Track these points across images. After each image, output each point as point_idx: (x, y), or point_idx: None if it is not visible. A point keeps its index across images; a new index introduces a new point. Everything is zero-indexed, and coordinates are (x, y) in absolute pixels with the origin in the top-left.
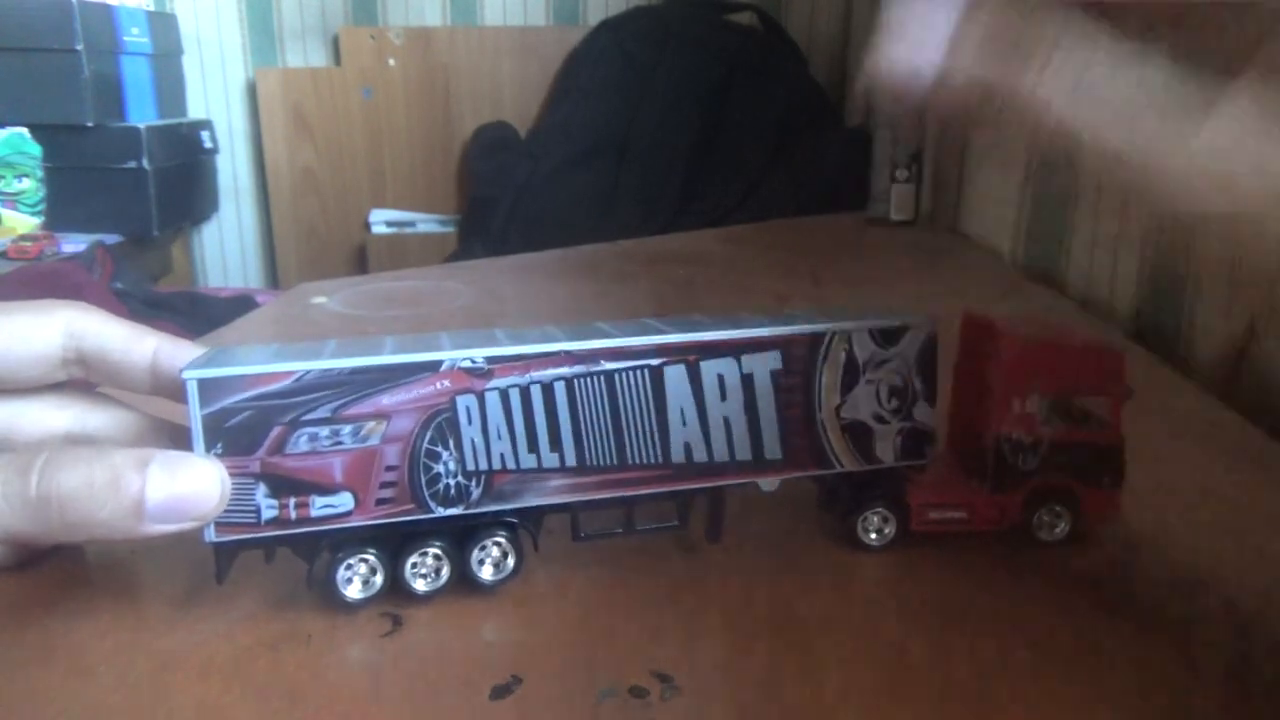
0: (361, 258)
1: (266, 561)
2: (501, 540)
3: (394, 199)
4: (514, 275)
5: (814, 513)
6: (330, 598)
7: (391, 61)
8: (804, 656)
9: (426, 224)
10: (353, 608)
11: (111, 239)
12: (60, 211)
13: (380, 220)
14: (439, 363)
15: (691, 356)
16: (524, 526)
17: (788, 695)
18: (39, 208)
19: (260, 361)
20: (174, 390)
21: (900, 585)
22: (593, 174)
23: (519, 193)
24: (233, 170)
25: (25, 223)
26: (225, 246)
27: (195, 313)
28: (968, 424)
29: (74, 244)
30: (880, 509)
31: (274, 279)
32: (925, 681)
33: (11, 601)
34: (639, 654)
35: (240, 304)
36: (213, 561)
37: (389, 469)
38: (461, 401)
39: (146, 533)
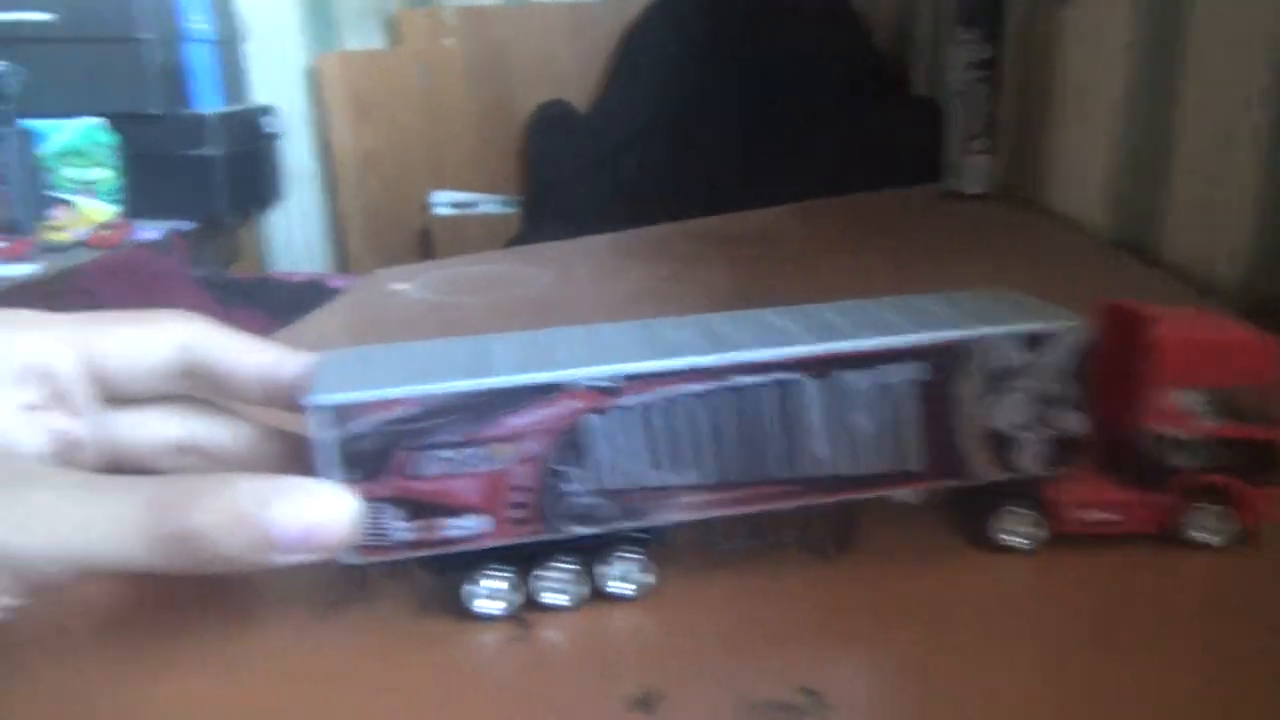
0: (425, 240)
1: (396, 578)
2: (633, 555)
3: (454, 180)
4: (586, 258)
5: (950, 516)
6: (463, 611)
7: (448, 41)
8: (958, 668)
9: (488, 205)
10: (486, 620)
11: (184, 226)
12: (133, 199)
13: (442, 202)
14: (569, 383)
15: (828, 368)
16: (655, 541)
17: (946, 710)
18: (116, 196)
19: (381, 377)
20: (287, 402)
21: (1052, 591)
22: (654, 152)
23: (581, 173)
24: (295, 155)
25: (104, 211)
26: (291, 231)
27: (270, 298)
28: (1110, 418)
29: (149, 231)
30: (1023, 510)
31: (340, 263)
32: (1091, 696)
33: (161, 603)
34: (783, 669)
35: (313, 289)
36: (346, 575)
37: (519, 489)
38: (591, 420)
39: (276, 564)
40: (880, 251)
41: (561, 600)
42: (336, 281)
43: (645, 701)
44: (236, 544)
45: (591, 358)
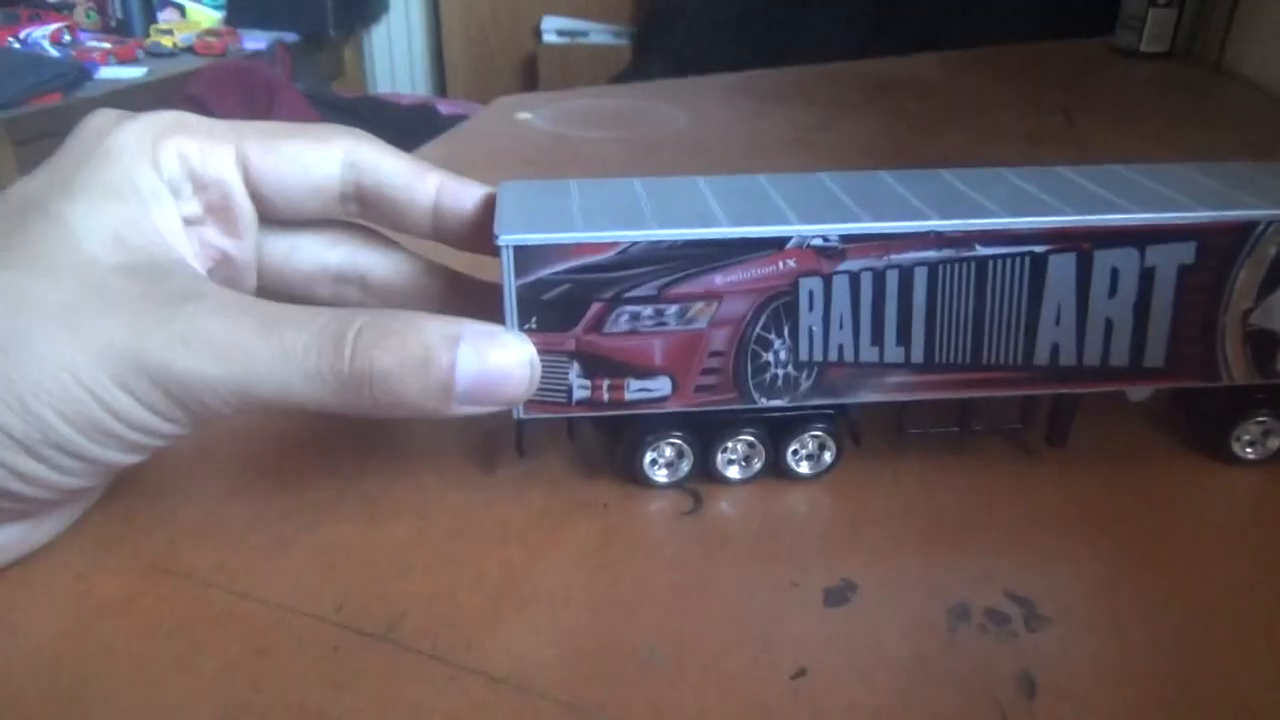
0: (530, 68)
1: (570, 437)
2: (820, 433)
3: (566, 5)
4: (722, 97)
5: (1172, 418)
6: (633, 477)
7: None
8: (1183, 581)
9: (599, 34)
10: (657, 486)
11: (288, 37)
12: (237, 7)
13: (552, 29)
14: (785, 239)
15: (1086, 244)
16: (845, 419)
17: (1170, 632)
18: (221, 2)
19: (571, 217)
20: (457, 235)
21: None
22: None
23: (701, 5)
24: None
25: (208, 16)
26: (394, 50)
27: (377, 120)
28: None
29: (254, 41)
30: (1264, 418)
31: (442, 86)
32: None
33: (322, 446)
34: (986, 571)
35: (421, 113)
36: (516, 431)
37: (714, 355)
38: (805, 285)
39: (453, 414)
40: (1051, 114)
41: (741, 474)
42: (447, 107)
43: (839, 594)
44: (417, 389)
45: (811, 213)
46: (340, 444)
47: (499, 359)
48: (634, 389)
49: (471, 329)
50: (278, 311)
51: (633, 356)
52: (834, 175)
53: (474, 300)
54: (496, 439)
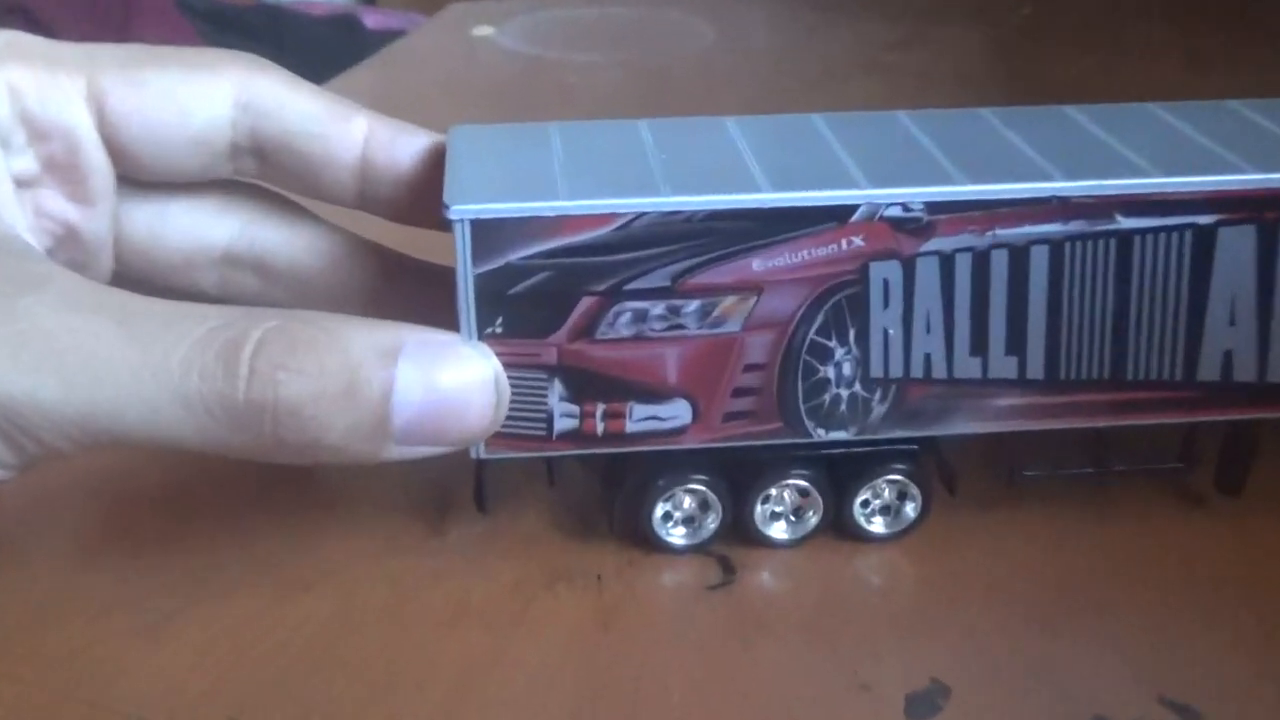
0: None
1: (550, 485)
2: (900, 476)
3: None
4: (757, 8)
5: None
6: (639, 538)
7: None
8: None
9: None
10: (671, 551)
11: None
12: None
13: None
14: (850, 208)
15: (1271, 214)
16: (934, 457)
17: None
18: None
19: (548, 179)
20: (392, 202)
21: None
22: None
23: None
24: None
25: None
26: None
27: (280, 37)
28: None
29: None
30: None
31: None
32: None
33: (212, 495)
34: (1134, 667)
35: (342, 26)
36: (473, 480)
37: (750, 369)
38: (878, 271)
39: (389, 458)
40: (1216, 21)
41: (790, 534)
42: (376, 18)
43: (926, 701)
44: (340, 426)
45: (886, 170)
46: (237, 491)
47: (452, 380)
48: (639, 417)
49: (414, 339)
50: (145, 309)
51: (637, 372)
52: (918, 116)
53: (417, 295)
54: (449, 487)
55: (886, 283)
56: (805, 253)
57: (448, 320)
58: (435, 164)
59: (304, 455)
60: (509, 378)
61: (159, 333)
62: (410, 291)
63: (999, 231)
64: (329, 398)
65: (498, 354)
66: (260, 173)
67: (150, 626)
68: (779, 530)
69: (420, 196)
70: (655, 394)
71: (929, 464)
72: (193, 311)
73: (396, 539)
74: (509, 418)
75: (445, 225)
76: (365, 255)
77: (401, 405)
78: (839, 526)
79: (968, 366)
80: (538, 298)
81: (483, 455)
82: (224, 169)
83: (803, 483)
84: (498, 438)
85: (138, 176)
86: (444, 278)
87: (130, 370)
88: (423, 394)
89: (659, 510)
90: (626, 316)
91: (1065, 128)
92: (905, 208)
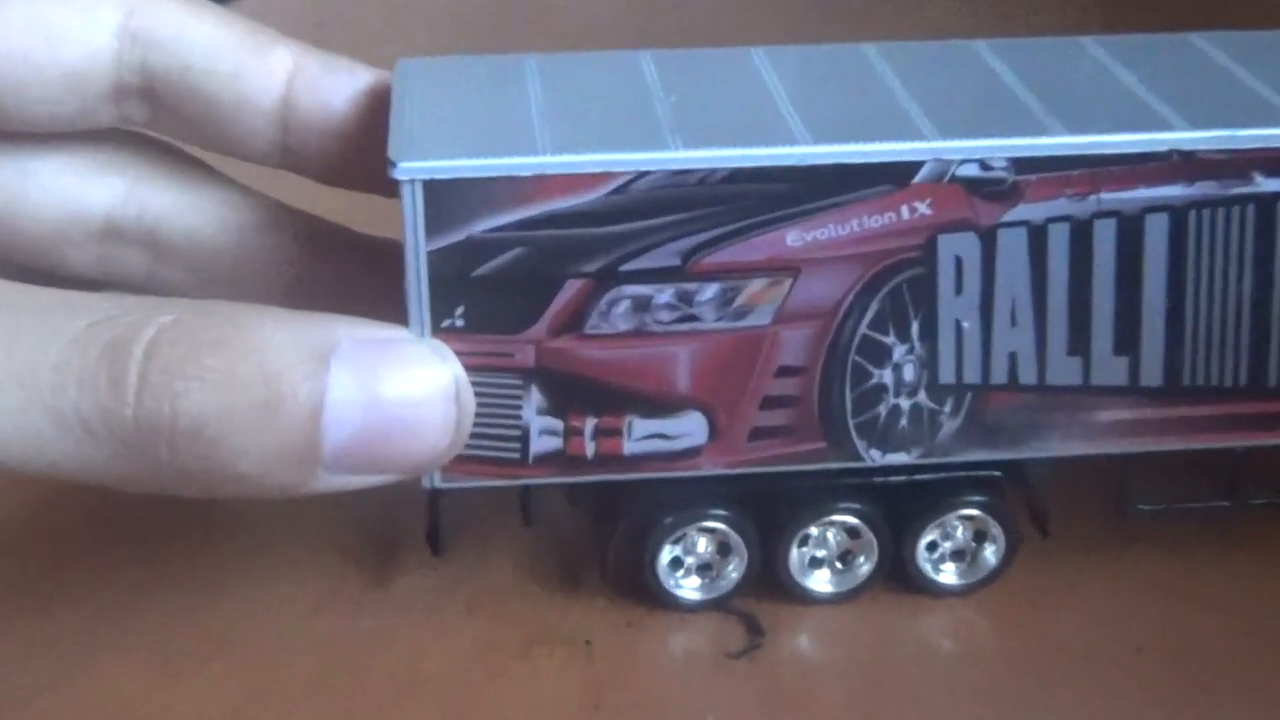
0: None
1: (526, 522)
2: (977, 511)
3: None
4: None
5: None
6: (641, 590)
7: None
8: None
9: None
10: (681, 607)
11: None
12: None
13: None
14: (913, 165)
15: None
16: (1020, 487)
17: None
18: None
19: (521, 126)
20: (321, 158)
21: None
22: None
23: None
24: None
25: None
26: None
27: None
28: None
29: None
30: None
31: None
32: None
33: (92, 534)
34: None
35: None
36: (425, 516)
37: (784, 373)
38: (948, 247)
39: (319, 489)
40: None
41: (836, 585)
42: None
43: None
44: (257, 450)
45: (959, 117)
46: (123, 531)
47: (400, 390)
48: (640, 435)
49: (352, 336)
50: (9, 299)
51: (638, 377)
52: (1000, 46)
53: (356, 279)
54: (396, 524)
55: (960, 261)
56: (855, 223)
57: (395, 311)
58: (377, 109)
59: (210, 486)
60: (473, 385)
61: (27, 329)
62: (346, 274)
63: (1105, 196)
64: (242, 414)
65: (458, 354)
66: (152, 121)
67: (4, 705)
68: (821, 581)
69: (358, 151)
70: (661, 405)
71: (1014, 496)
72: (69, 302)
73: (327, 592)
74: (473, 436)
75: (390, 188)
76: (288, 227)
77: (335, 423)
78: (898, 576)
79: (1064, 369)
80: (510, 282)
81: (439, 485)
82: (105, 115)
83: (852, 519)
84: (458, 462)
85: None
86: (389, 256)
87: None
88: (362, 408)
89: (666, 555)
90: (624, 306)
91: (1191, 62)
92: (984, 165)
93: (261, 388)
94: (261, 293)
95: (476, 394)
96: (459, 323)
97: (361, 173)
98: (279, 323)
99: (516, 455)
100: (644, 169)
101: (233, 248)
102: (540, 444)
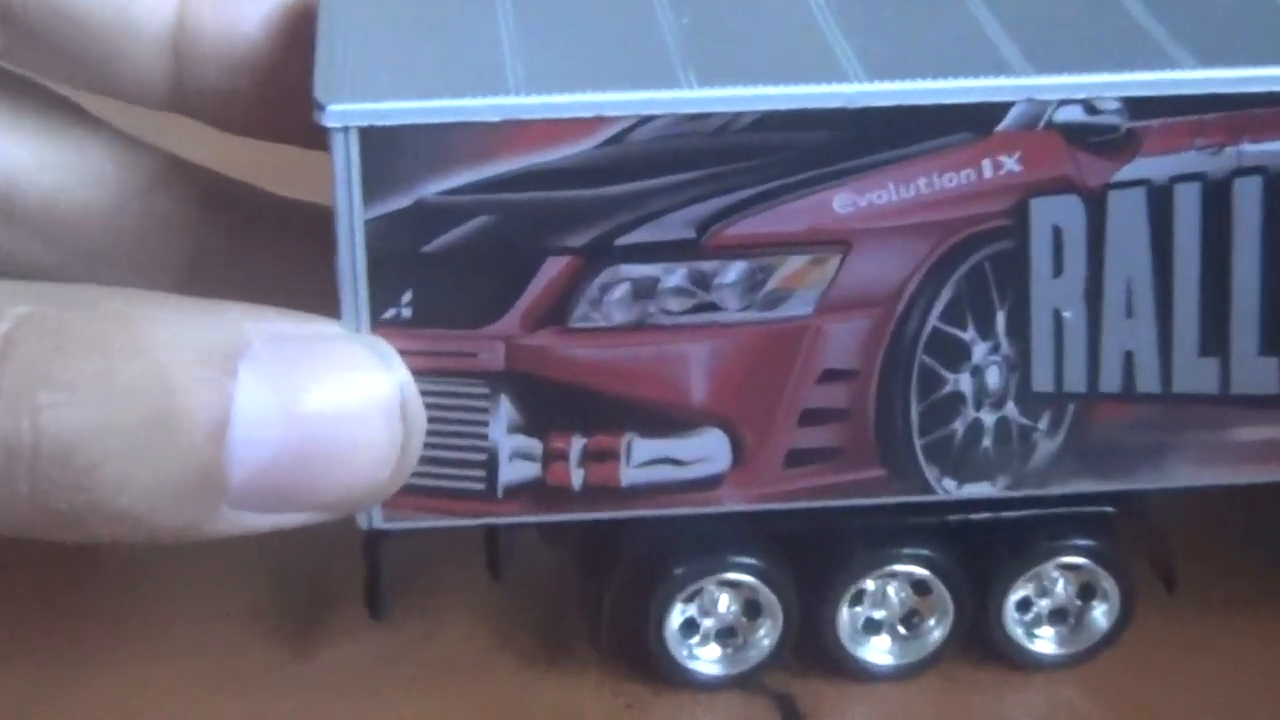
0: None
1: (494, 576)
2: (1084, 560)
3: None
4: None
5: None
6: (645, 660)
7: None
8: None
9: None
10: (698, 684)
11: None
12: None
13: None
14: (999, 108)
15: None
16: (1140, 527)
17: None
18: None
19: (487, 59)
20: (222, 99)
21: None
22: None
23: None
24: None
25: None
26: None
27: None
28: None
29: None
30: None
31: None
32: None
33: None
34: None
35: None
36: (366, 560)
37: (831, 378)
38: (1045, 214)
39: (223, 531)
40: None
41: (895, 655)
42: None
43: None
44: (141, 480)
45: (1058, 46)
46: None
47: (328, 403)
48: (643, 459)
49: (266, 332)
50: None
51: (640, 384)
52: None
53: (273, 254)
54: (325, 577)
55: (1059, 233)
56: (923, 183)
57: (327, 300)
58: (299, 35)
59: (82, 527)
60: (425, 395)
61: None
62: (263, 251)
63: (1248, 147)
64: (123, 433)
65: (405, 354)
66: (7, 50)
67: None
68: (879, 650)
69: (273, 90)
70: (670, 420)
71: (1131, 539)
72: None
73: (236, 665)
74: (424, 462)
75: (316, 137)
76: (185, 188)
77: (243, 445)
78: (980, 643)
79: (1197, 374)
80: (472, 259)
81: (379, 525)
82: None
83: (919, 570)
84: (404, 495)
85: None
86: (318, 227)
87: None
88: (279, 426)
89: (677, 617)
90: (621, 291)
91: None
92: (1090, 107)
93: (149, 400)
94: (150, 274)
95: (428, 406)
96: (405, 313)
97: (277, 117)
98: (172, 315)
99: (481, 486)
100: (647, 112)
101: (112, 215)
102: (512, 471)
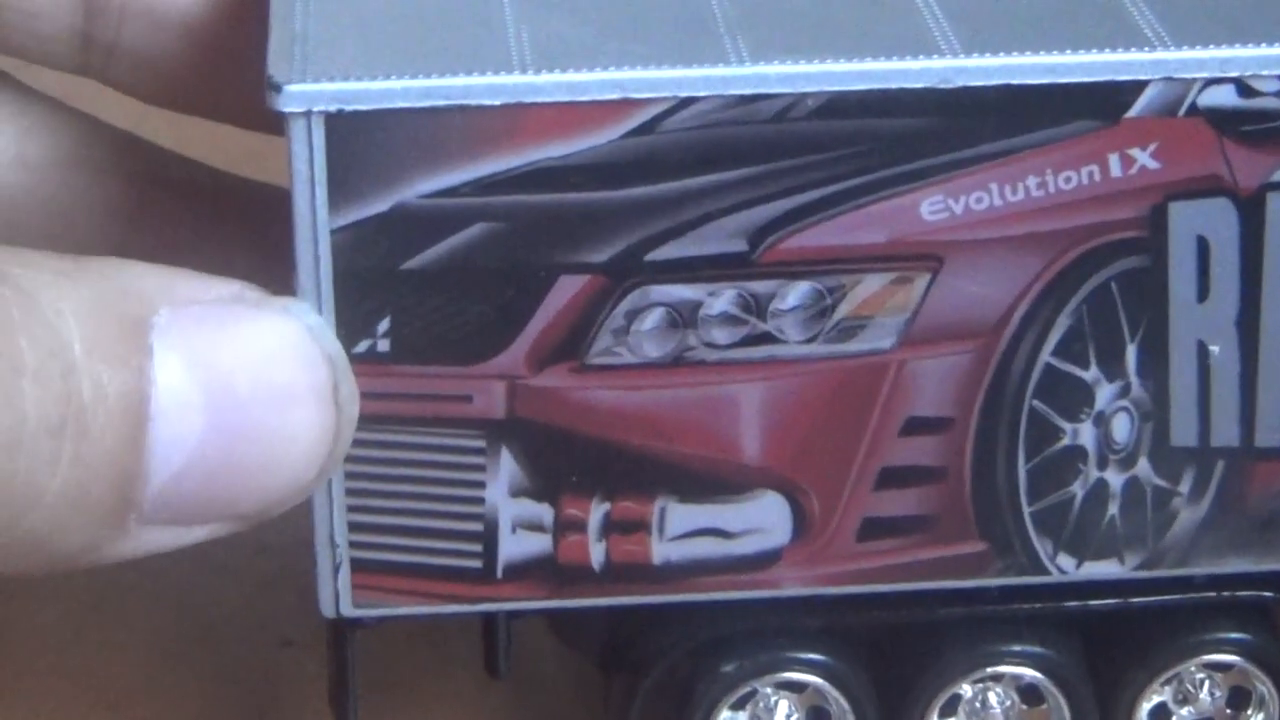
0: None
1: (492, 674)
2: (1235, 658)
3: None
4: None
5: None
6: None
7: None
8: None
9: None
10: None
11: None
12: None
13: None
14: (1130, 89)
15: None
16: None
17: None
18: None
19: (487, 31)
20: (155, 69)
21: None
22: None
23: None
24: None
25: None
26: None
27: None
28: None
29: None
30: None
31: None
32: None
33: None
34: None
35: None
36: (330, 654)
37: (916, 428)
38: (1186, 222)
39: (125, 553)
40: None
41: None
42: None
43: None
44: (47, 492)
45: (1189, 13)
46: None
47: (253, 383)
48: (681, 530)
49: (173, 297)
50: None
51: (676, 436)
52: None
53: (218, 238)
54: (283, 673)
55: (1204, 245)
56: (1033, 184)
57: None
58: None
59: None
60: (406, 449)
61: None
62: (206, 235)
63: None
64: (27, 432)
65: (381, 397)
66: None
67: None
68: None
69: (212, 60)
70: (715, 482)
71: None
72: None
73: None
74: (407, 533)
75: (271, 121)
76: (116, 160)
77: (166, 443)
78: None
79: None
80: (466, 279)
81: (347, 613)
82: None
83: (1029, 671)
84: (381, 576)
85: None
86: (263, 205)
87: None
88: (202, 418)
89: None
90: (654, 319)
91: None
92: (1245, 88)
93: (47, 385)
94: (55, 238)
95: (411, 463)
96: (382, 346)
97: (218, 94)
98: (74, 280)
99: (476, 564)
100: (686, 94)
101: (29, 189)
102: (515, 545)
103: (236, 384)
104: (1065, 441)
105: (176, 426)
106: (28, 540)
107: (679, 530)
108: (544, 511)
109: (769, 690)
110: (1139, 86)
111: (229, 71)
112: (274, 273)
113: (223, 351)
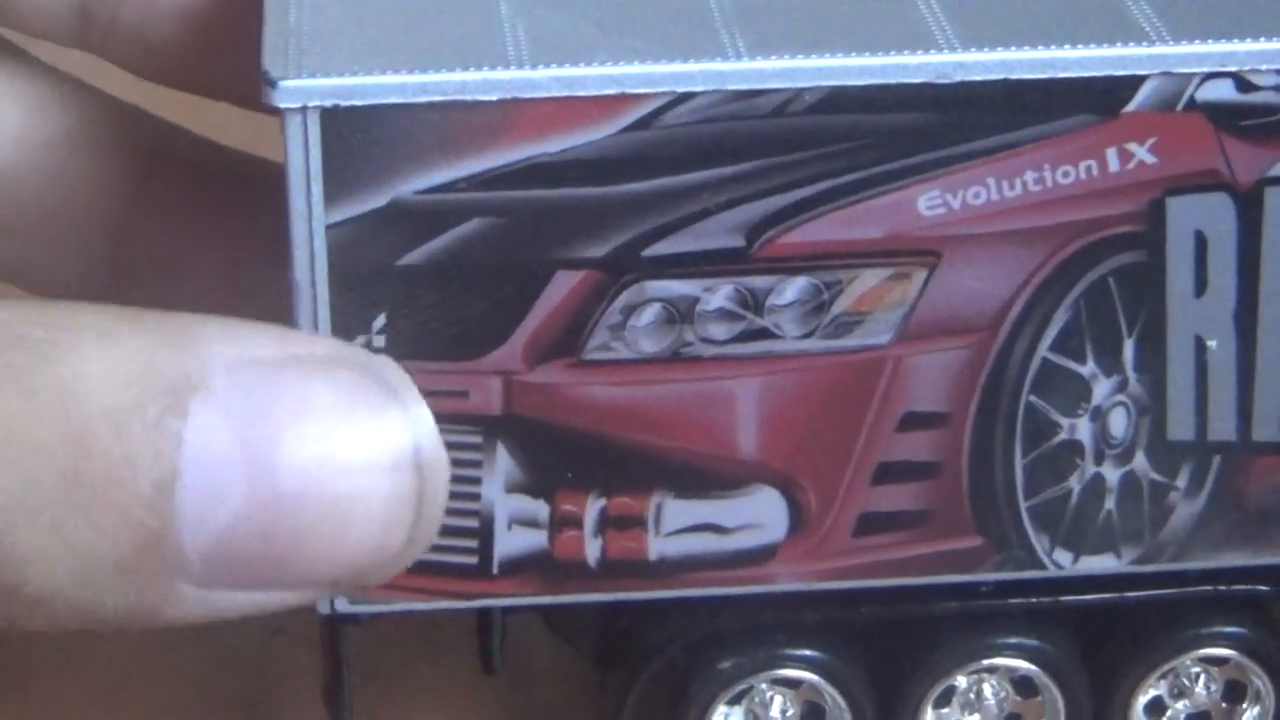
0: None
1: (486, 668)
2: (1231, 652)
3: None
4: None
5: None
6: None
7: None
8: None
9: None
10: None
11: None
12: None
13: None
14: (1128, 83)
15: None
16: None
17: None
18: None
19: (482, 20)
20: (147, 46)
21: None
22: None
23: None
24: None
25: None
26: None
27: None
28: None
29: None
30: None
31: None
32: None
33: None
34: None
35: None
36: (326, 651)
37: (914, 424)
38: (1185, 218)
39: (181, 617)
40: None
41: None
42: None
43: None
44: (68, 550)
45: (1191, 6)
46: None
47: (313, 449)
48: (678, 525)
49: (229, 355)
50: None
51: (673, 431)
52: None
53: (235, 220)
54: (277, 671)
55: (1202, 240)
56: (1031, 179)
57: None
58: None
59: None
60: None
61: None
62: (219, 217)
63: None
64: (37, 497)
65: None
66: None
67: None
68: None
69: (209, 39)
70: (711, 478)
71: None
72: None
73: None
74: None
75: (264, 108)
76: (121, 136)
77: (198, 504)
78: None
79: None
80: (462, 275)
81: (345, 610)
82: None
83: (1023, 664)
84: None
85: None
86: (269, 182)
87: None
88: (244, 479)
89: (719, 718)
90: (651, 314)
91: None
92: (1243, 82)
93: (65, 453)
94: (75, 246)
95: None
96: (378, 342)
97: (212, 73)
98: (103, 338)
99: (472, 560)
100: (684, 88)
101: (34, 164)
102: (511, 541)
103: (288, 451)
104: (1062, 436)
105: (212, 490)
106: (51, 598)
107: (675, 526)
108: (540, 507)
109: (765, 686)
110: (1137, 81)
111: (227, 50)
112: (278, 250)
113: (279, 416)
